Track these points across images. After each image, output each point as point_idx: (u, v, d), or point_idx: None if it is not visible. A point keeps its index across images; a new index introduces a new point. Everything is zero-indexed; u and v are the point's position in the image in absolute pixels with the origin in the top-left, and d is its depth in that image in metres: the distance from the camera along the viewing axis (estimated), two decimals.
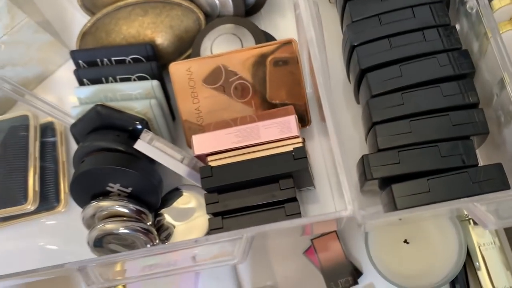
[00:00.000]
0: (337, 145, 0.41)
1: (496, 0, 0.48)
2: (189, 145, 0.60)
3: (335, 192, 0.58)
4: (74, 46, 0.69)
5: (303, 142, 0.52)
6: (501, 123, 0.47)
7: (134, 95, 0.59)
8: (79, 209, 0.58)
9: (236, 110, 0.58)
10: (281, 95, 0.58)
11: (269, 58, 0.58)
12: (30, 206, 0.60)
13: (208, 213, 0.50)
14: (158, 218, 0.59)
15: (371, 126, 0.48)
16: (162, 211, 0.59)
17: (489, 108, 0.48)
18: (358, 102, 0.57)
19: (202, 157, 0.54)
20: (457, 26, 0.51)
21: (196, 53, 0.61)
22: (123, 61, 0.61)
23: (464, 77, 0.47)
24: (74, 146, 0.66)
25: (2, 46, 0.61)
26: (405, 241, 0.54)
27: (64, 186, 0.63)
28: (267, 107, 0.59)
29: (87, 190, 0.55)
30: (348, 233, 0.58)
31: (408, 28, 0.49)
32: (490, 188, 0.43)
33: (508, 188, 0.43)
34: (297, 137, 0.52)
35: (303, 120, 0.59)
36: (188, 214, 0.58)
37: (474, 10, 0.46)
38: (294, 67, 0.58)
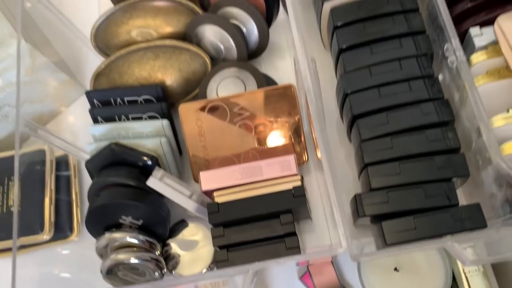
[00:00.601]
0: (332, 186, 0.46)
1: (474, 55, 0.54)
2: (195, 179, 0.65)
3: (330, 224, 0.63)
4: (87, 84, 0.75)
5: (302, 179, 0.57)
6: (479, 167, 0.52)
7: (145, 133, 0.63)
8: (91, 237, 0.62)
9: (241, 148, 0.63)
10: (283, 134, 0.63)
11: (271, 101, 0.63)
12: (45, 236, 0.64)
13: (214, 246, 0.54)
14: (165, 248, 0.63)
15: (364, 166, 0.53)
16: (170, 241, 0.63)
17: (469, 151, 0.54)
18: (350, 141, 0.63)
19: (209, 192, 0.58)
20: (440, 77, 0.56)
21: (203, 94, 0.67)
22: (135, 101, 0.66)
23: (447, 124, 0.53)
24: (86, 178, 0.71)
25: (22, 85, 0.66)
26: (395, 269, 0.59)
27: (77, 216, 0.68)
28: (270, 145, 0.64)
29: (101, 222, 0.60)
30: (342, 259, 0.62)
31: (396, 79, 0.55)
32: (469, 226, 0.48)
33: (485, 226, 0.48)
34: (296, 175, 0.57)
35: (301, 157, 0.64)
36: (194, 245, 0.62)
37: (454, 65, 0.52)
38: (293, 109, 0.63)
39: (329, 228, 0.63)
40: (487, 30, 0.54)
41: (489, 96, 0.51)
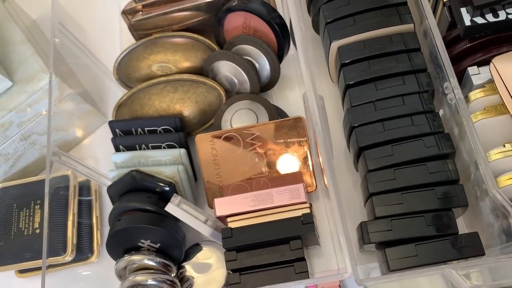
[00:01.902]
0: (338, 215, 0.50)
1: (472, 92, 0.58)
2: (210, 205, 0.69)
3: (337, 250, 0.66)
4: (109, 113, 0.80)
5: (310, 207, 0.60)
6: (478, 197, 0.55)
7: (164, 161, 0.68)
8: (110, 259, 0.65)
9: (253, 176, 0.67)
10: (292, 163, 0.67)
11: (281, 132, 0.67)
12: (68, 257, 0.68)
13: (227, 269, 0.58)
14: (180, 270, 0.66)
15: (369, 196, 0.57)
16: (184, 264, 0.67)
17: (469, 182, 0.57)
18: (357, 170, 0.66)
19: (223, 218, 0.62)
20: (441, 112, 0.60)
21: (218, 125, 0.71)
22: (154, 131, 0.70)
23: (447, 156, 0.56)
24: (106, 203, 0.75)
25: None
26: None
27: (97, 239, 0.71)
28: (280, 173, 0.68)
29: (121, 245, 0.63)
30: (349, 283, 0.65)
31: (399, 114, 0.58)
32: (467, 254, 0.51)
33: (483, 254, 0.51)
34: (305, 202, 0.60)
35: (310, 185, 0.67)
36: (207, 267, 0.66)
37: (453, 102, 0.55)
38: (302, 140, 0.67)
39: (336, 253, 0.66)
40: (484, 69, 0.58)
41: (486, 131, 0.55)
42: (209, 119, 0.74)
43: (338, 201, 0.49)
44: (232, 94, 0.74)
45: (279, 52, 0.73)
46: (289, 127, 0.67)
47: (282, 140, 0.67)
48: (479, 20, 0.57)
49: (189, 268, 0.66)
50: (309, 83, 0.52)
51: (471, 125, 0.52)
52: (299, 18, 0.56)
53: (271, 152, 0.67)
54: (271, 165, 0.67)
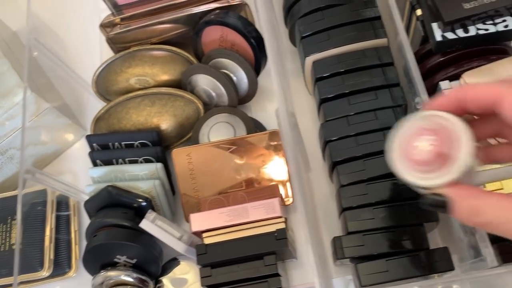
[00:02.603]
0: (307, 231, 0.50)
1: None
2: (187, 219, 0.69)
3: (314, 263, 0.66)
4: (88, 126, 0.79)
5: (285, 221, 0.60)
6: None
7: (141, 176, 0.68)
8: (87, 274, 0.65)
9: (231, 190, 0.67)
10: (270, 176, 0.68)
11: (259, 145, 0.67)
12: (45, 273, 0.67)
13: (202, 285, 0.58)
14: (158, 285, 0.66)
15: (342, 210, 0.57)
16: (162, 278, 0.67)
17: None
18: (332, 182, 0.66)
19: (198, 233, 0.62)
20: None
21: (195, 139, 0.71)
22: (132, 145, 0.70)
23: None
24: (85, 217, 0.75)
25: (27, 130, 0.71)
26: None
27: (75, 254, 0.71)
28: (257, 186, 0.68)
29: (97, 261, 0.63)
30: None
31: (372, 128, 0.59)
32: (437, 269, 0.51)
33: (452, 269, 0.51)
34: (280, 217, 0.60)
35: (287, 198, 0.67)
36: (184, 282, 0.66)
37: None
38: (279, 153, 0.67)
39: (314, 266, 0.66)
40: (456, 83, 0.58)
41: None
42: (187, 133, 0.74)
43: (308, 217, 0.50)
44: (210, 107, 0.74)
45: (256, 65, 0.73)
46: (266, 140, 0.67)
47: (259, 153, 0.68)
48: (450, 35, 0.58)
49: (166, 283, 0.66)
50: (281, 100, 0.52)
51: None
52: (271, 34, 0.56)
53: (249, 165, 0.68)
54: (248, 178, 0.68)
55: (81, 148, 0.80)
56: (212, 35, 0.73)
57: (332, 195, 0.69)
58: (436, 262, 0.52)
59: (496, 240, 0.49)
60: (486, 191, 0.36)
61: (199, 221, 0.61)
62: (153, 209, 0.65)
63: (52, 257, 0.68)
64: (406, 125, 0.39)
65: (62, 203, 0.74)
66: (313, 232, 0.49)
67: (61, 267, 0.70)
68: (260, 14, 0.57)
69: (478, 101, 0.36)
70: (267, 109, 0.78)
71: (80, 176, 0.77)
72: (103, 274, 0.62)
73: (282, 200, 0.65)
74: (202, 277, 0.57)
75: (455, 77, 0.59)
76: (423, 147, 0.37)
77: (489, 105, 0.36)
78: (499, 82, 0.36)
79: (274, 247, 0.57)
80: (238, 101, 0.74)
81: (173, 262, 0.68)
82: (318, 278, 0.46)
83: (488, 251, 0.46)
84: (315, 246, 0.48)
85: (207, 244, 0.58)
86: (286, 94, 0.55)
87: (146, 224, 0.60)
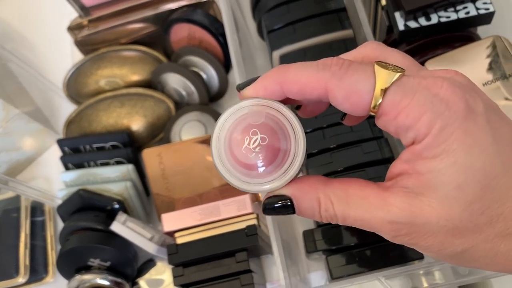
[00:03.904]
0: (271, 226, 0.50)
1: None
2: (160, 218, 0.68)
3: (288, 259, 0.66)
4: (61, 131, 0.79)
5: (257, 217, 0.60)
6: None
7: (113, 178, 0.67)
8: (65, 279, 0.65)
9: (204, 188, 0.67)
10: None
11: None
12: (21, 279, 0.67)
13: (175, 285, 0.57)
14: (135, 287, 0.66)
15: None
16: (138, 280, 0.66)
17: None
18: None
19: (170, 233, 0.62)
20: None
21: (167, 138, 0.71)
22: (103, 148, 0.70)
23: (388, 161, 0.56)
24: (60, 222, 0.75)
25: None
26: None
27: (52, 259, 0.71)
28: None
29: (71, 265, 0.63)
30: None
31: (338, 121, 0.58)
32: (408, 258, 0.51)
33: (422, 258, 0.51)
34: (251, 213, 0.60)
35: (259, 194, 0.67)
36: (161, 283, 0.66)
37: None
38: None
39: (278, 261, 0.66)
40: None
41: None
42: (159, 132, 0.73)
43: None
44: (181, 105, 0.74)
45: (226, 62, 0.72)
46: None
47: None
48: (412, 24, 0.58)
49: (143, 284, 0.66)
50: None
51: None
52: (232, 30, 0.56)
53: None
54: (220, 176, 0.67)
55: (55, 153, 0.79)
56: (180, 33, 0.73)
57: None
58: (406, 251, 0.52)
59: None
60: (329, 178, 0.30)
61: (170, 221, 0.61)
62: (126, 211, 0.65)
63: (27, 263, 0.68)
64: (228, 120, 0.30)
65: (37, 209, 0.73)
66: (282, 226, 0.49)
67: (37, 272, 0.69)
68: (221, 9, 0.57)
69: (306, 94, 0.29)
70: None
71: (54, 181, 0.77)
72: (78, 278, 0.62)
73: (254, 196, 0.65)
74: (174, 277, 0.57)
75: (421, 65, 0.59)
76: (251, 146, 0.29)
77: (318, 97, 0.29)
78: (326, 71, 0.28)
79: (245, 244, 0.57)
80: (210, 99, 0.74)
81: (149, 263, 0.67)
82: (283, 272, 0.46)
83: None
84: (284, 240, 0.48)
85: (178, 244, 0.58)
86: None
87: (116, 226, 0.60)
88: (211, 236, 0.58)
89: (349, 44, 0.62)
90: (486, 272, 0.54)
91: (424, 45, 0.60)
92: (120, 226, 0.59)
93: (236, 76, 0.53)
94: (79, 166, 0.69)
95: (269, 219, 0.50)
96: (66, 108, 0.80)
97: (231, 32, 0.54)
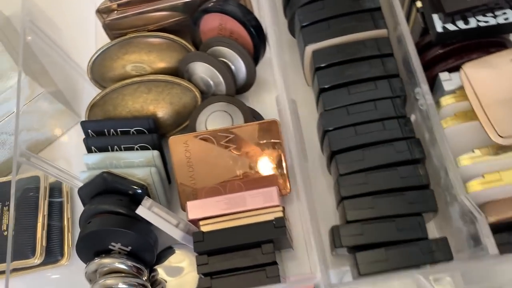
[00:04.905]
0: (309, 219, 0.50)
1: (443, 98, 0.58)
2: (183, 208, 0.68)
3: (310, 253, 0.66)
4: (82, 113, 0.78)
5: (283, 210, 0.60)
6: (448, 202, 0.56)
7: (136, 163, 0.67)
8: (80, 262, 0.64)
9: (227, 179, 0.67)
10: (267, 166, 0.67)
11: (256, 135, 0.67)
12: (36, 260, 0.66)
13: (198, 273, 0.57)
14: (152, 274, 0.66)
15: (340, 200, 0.57)
16: (157, 267, 0.66)
17: (439, 187, 0.57)
18: (330, 173, 0.66)
19: (195, 221, 0.61)
20: (413, 117, 0.61)
21: (192, 127, 0.70)
22: (127, 132, 0.69)
23: (418, 161, 0.57)
24: (78, 204, 0.74)
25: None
26: None
27: (68, 241, 0.70)
28: (255, 176, 0.67)
29: (91, 248, 0.62)
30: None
31: (371, 118, 0.59)
32: (436, 258, 0.51)
33: (451, 259, 0.51)
34: (278, 206, 0.60)
35: (284, 188, 0.67)
36: (179, 271, 0.65)
37: (424, 107, 0.56)
38: (277, 142, 0.67)
39: (309, 257, 0.66)
40: (456, 75, 0.58)
41: (456, 137, 0.56)
42: (184, 121, 0.73)
43: (309, 205, 0.49)
44: (207, 95, 0.74)
45: (255, 54, 0.72)
46: (264, 130, 0.67)
47: (257, 143, 0.67)
48: (451, 27, 0.58)
49: (161, 271, 0.66)
50: (281, 87, 0.52)
51: (441, 130, 0.53)
52: (273, 21, 0.56)
53: (246, 154, 0.67)
54: (245, 167, 0.67)
55: (75, 135, 0.79)
56: (211, 23, 0.72)
57: (328, 187, 0.69)
58: (435, 252, 0.52)
59: (494, 231, 0.49)
60: None
61: (196, 209, 0.61)
62: (149, 196, 0.64)
63: (44, 244, 0.67)
64: None
65: (55, 190, 0.73)
66: (313, 222, 0.49)
67: (53, 254, 0.69)
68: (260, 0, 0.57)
69: None
70: (265, 101, 0.77)
71: (73, 163, 0.76)
72: (97, 262, 0.62)
73: (279, 190, 0.65)
74: (198, 265, 0.57)
75: (455, 69, 0.59)
76: None
77: None
78: None
79: (272, 235, 0.56)
80: (236, 91, 0.74)
81: (168, 250, 0.67)
82: (319, 265, 0.46)
83: (489, 240, 0.46)
84: (317, 235, 0.48)
85: (204, 232, 0.58)
86: (286, 81, 0.55)
87: (142, 211, 0.59)
88: (237, 226, 0.58)
89: (382, 43, 0.63)
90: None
91: (460, 48, 0.60)
92: (146, 211, 0.59)
93: (275, 65, 0.53)
94: (102, 149, 0.68)
95: (304, 212, 0.50)
96: (88, 92, 0.79)
97: (272, 23, 0.54)
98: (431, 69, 0.62)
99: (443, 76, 0.59)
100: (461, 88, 0.58)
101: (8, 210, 0.69)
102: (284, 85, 0.52)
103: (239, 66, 0.72)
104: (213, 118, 0.70)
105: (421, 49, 0.63)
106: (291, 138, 0.51)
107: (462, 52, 0.59)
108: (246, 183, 0.67)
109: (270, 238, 0.57)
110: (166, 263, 0.66)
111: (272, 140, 0.67)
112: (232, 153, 0.67)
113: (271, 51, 0.53)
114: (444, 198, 0.57)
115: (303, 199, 0.50)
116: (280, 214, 0.59)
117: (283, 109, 0.51)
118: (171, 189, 0.72)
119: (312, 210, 0.51)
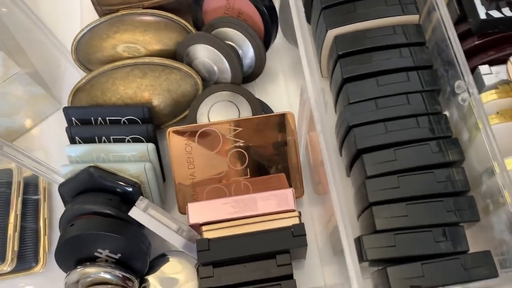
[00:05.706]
0: (343, 227, 0.42)
1: (483, 94, 0.52)
2: (181, 210, 0.60)
3: (325, 264, 0.59)
4: (64, 99, 0.69)
5: (299, 216, 0.53)
6: (490, 211, 0.49)
7: (128, 157, 0.58)
8: (58, 270, 0.55)
9: (231, 176, 0.59)
10: (277, 165, 0.59)
11: (266, 129, 0.59)
12: (7, 267, 0.57)
13: (201, 287, 0.49)
14: (143, 285, 0.57)
15: (368, 206, 0.50)
16: (148, 277, 0.57)
17: (476, 193, 0.51)
18: (348, 175, 0.59)
19: (196, 226, 0.53)
20: (447, 114, 0.54)
21: (193, 118, 0.62)
22: (118, 121, 0.60)
23: (455, 164, 0.50)
24: (57, 203, 0.65)
25: None
26: None
27: (44, 246, 0.61)
28: (263, 175, 0.59)
29: (73, 255, 0.53)
30: None
31: (403, 114, 0.52)
32: (480, 276, 0.45)
33: (496, 276, 0.45)
34: (293, 210, 0.52)
35: (296, 191, 0.60)
36: (174, 282, 0.57)
37: (466, 103, 0.49)
38: (289, 138, 0.59)
39: (323, 268, 0.59)
40: (498, 69, 0.52)
41: (499, 137, 0.49)
42: (183, 111, 0.65)
43: (342, 211, 0.42)
44: (209, 83, 0.65)
45: (265, 38, 0.65)
46: (275, 124, 0.59)
47: (267, 138, 0.59)
48: (495, 13, 0.52)
49: (153, 282, 0.57)
50: (309, 74, 0.45)
51: (489, 128, 0.46)
52: None
53: (254, 151, 0.59)
54: (253, 165, 0.59)
55: (55, 124, 0.69)
56: (216, 1, 0.64)
57: (346, 190, 0.61)
58: (477, 268, 0.45)
59: None
60: None
61: (198, 212, 0.52)
62: (142, 195, 0.56)
63: (16, 248, 0.58)
64: None
65: (30, 186, 0.63)
66: (348, 229, 0.41)
67: (26, 260, 0.59)
68: None
69: None
70: (271, 92, 0.70)
71: (53, 155, 0.67)
72: (80, 271, 0.53)
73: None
74: (201, 278, 0.49)
75: (495, 61, 0.53)
76: None
77: None
78: None
79: (291, 245, 0.49)
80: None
81: (161, 258, 0.58)
82: (356, 276, 0.39)
83: None
84: (352, 244, 0.41)
85: (209, 239, 0.49)
86: (314, 71, 0.47)
87: (136, 213, 0.51)
88: (248, 233, 0.50)
89: (412, 30, 0.56)
90: None
91: (500, 39, 0.54)
92: (141, 213, 0.50)
93: (302, 54, 0.46)
94: (88, 140, 0.59)
95: (339, 219, 0.43)
96: (72, 74, 0.70)
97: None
98: (467, 61, 0.55)
99: (483, 69, 0.53)
100: (505, 83, 0.52)
101: None
102: (310, 71, 0.45)
103: (247, 51, 0.64)
104: (217, 109, 0.62)
105: None
106: (321, 133, 0.43)
107: (504, 43, 0.53)
108: (254, 183, 0.59)
109: (288, 247, 0.49)
110: (158, 273, 0.57)
111: (284, 135, 0.59)
112: (239, 149, 0.59)
113: (296, 31, 0.46)
114: (484, 205, 0.50)
115: (335, 202, 0.42)
116: (297, 221, 0.51)
117: (311, 99, 0.44)
118: (166, 188, 0.63)
119: (345, 216, 0.43)
